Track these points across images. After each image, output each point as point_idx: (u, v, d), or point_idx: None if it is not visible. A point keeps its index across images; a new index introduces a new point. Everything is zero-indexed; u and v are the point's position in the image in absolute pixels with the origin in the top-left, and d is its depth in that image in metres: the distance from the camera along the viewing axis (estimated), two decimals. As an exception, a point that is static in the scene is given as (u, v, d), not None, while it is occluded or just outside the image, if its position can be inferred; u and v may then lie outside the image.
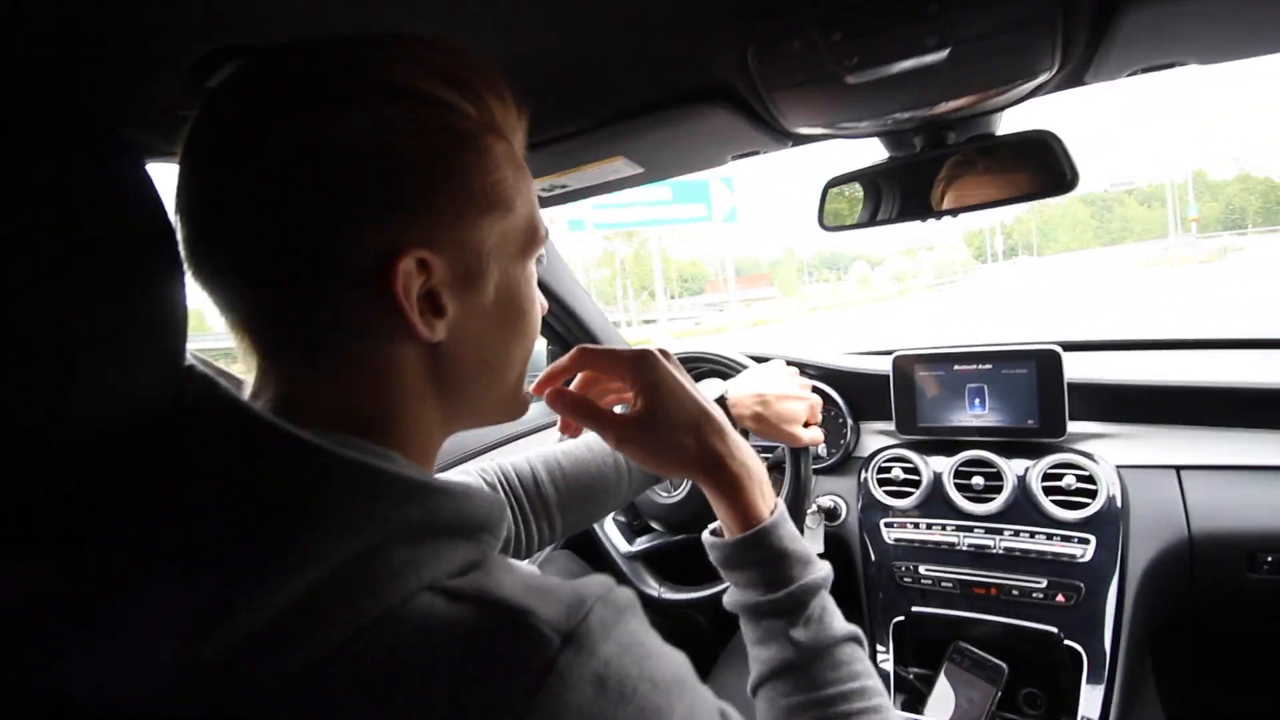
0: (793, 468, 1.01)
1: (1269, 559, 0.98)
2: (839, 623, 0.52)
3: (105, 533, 0.31)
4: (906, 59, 0.62)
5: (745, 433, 0.83)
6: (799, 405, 0.84)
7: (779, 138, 0.84)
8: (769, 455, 1.18)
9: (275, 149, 0.34)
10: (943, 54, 0.61)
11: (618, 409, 0.60)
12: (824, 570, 0.55)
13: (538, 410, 1.63)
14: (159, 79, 0.56)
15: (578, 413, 0.57)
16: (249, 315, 0.37)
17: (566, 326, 1.43)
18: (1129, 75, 0.72)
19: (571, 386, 0.61)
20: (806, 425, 0.85)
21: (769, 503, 0.56)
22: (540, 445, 0.85)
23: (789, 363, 0.91)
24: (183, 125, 0.36)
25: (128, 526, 0.31)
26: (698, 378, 1.11)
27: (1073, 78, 0.71)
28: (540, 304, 0.47)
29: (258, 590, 0.29)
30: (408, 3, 0.52)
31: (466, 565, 0.34)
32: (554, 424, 1.49)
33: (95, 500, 0.32)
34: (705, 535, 0.58)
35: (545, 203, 1.04)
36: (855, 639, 0.52)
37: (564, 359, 0.59)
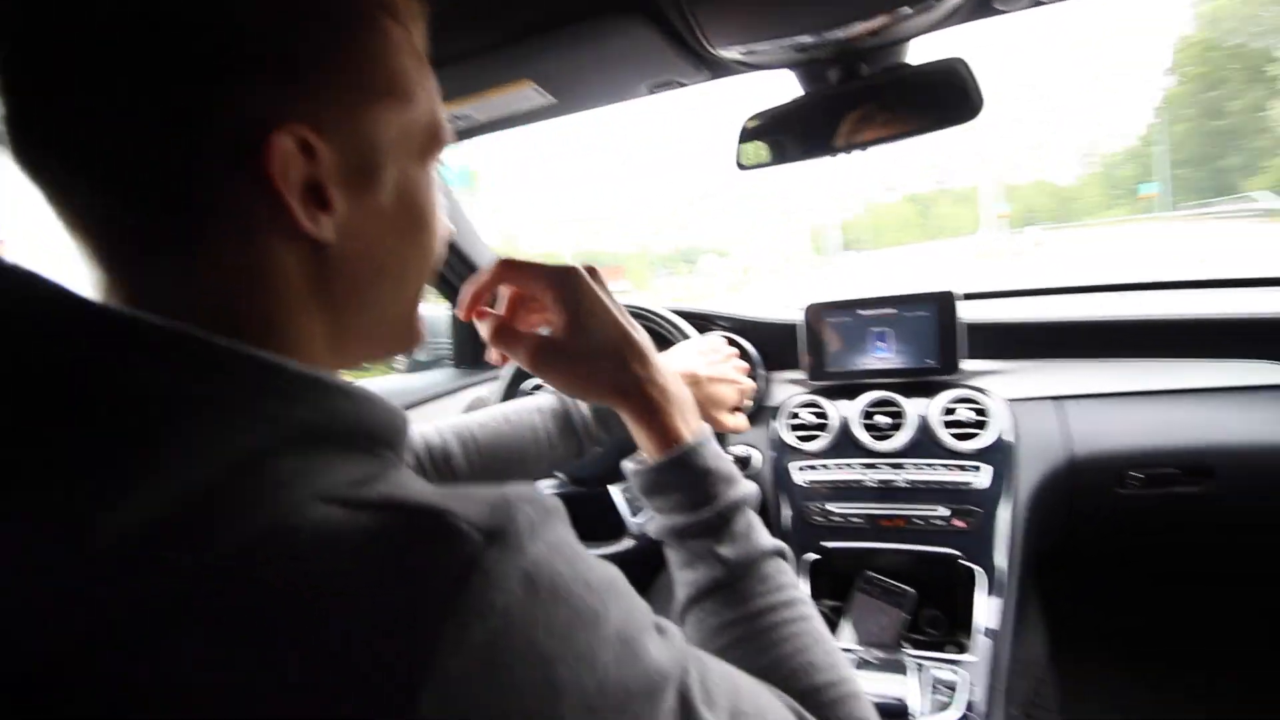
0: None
1: (1136, 475, 1.07)
2: (765, 537, 0.51)
3: None
4: (827, -35, 0.61)
5: None
6: (730, 390, 0.80)
7: (698, 64, 0.81)
8: None
9: None
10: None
11: (543, 331, 0.56)
12: (749, 487, 0.52)
13: (441, 376, 1.55)
14: None
15: (494, 336, 0.53)
16: (88, 207, 0.31)
17: (458, 273, 1.35)
18: (1032, 6, 0.75)
19: (497, 307, 0.56)
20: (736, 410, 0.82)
21: (692, 426, 0.53)
22: (444, 413, 0.78)
23: (705, 318, 0.89)
24: None
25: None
26: None
27: (983, 3, 0.73)
28: (444, 224, 0.43)
29: (135, 495, 0.25)
30: None
31: (364, 478, 0.30)
32: (454, 391, 1.42)
33: None
34: (626, 464, 0.55)
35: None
36: (780, 553, 0.51)
37: (484, 272, 0.54)
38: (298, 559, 0.25)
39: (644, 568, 1.04)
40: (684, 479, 0.51)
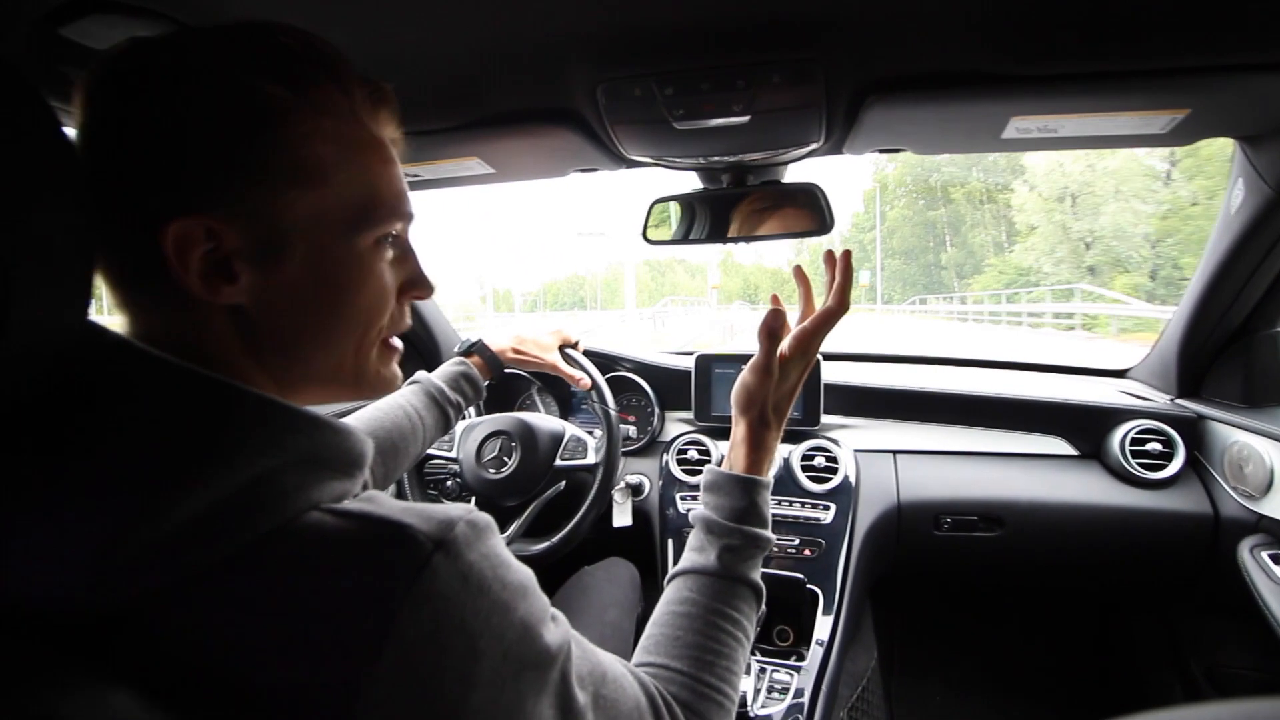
0: (608, 458, 1.20)
1: (947, 520, 1.32)
2: (756, 575, 0.64)
3: (34, 454, 0.35)
4: (719, 118, 0.80)
5: (502, 371, 1.14)
6: (549, 338, 1.17)
7: (616, 160, 0.99)
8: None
9: (128, 121, 0.39)
10: (745, 119, 0.80)
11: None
12: (770, 537, 0.66)
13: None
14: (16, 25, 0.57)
15: (774, 320, 0.68)
16: (106, 259, 0.41)
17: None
18: (875, 151, 0.97)
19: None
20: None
21: (770, 470, 0.68)
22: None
23: (611, 359, 1.10)
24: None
25: (49, 448, 0.35)
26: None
27: (836, 148, 0.95)
28: (388, 287, 0.48)
29: (176, 502, 0.34)
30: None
31: (342, 494, 0.42)
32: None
33: (20, 423, 0.35)
34: (710, 466, 0.69)
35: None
36: (758, 593, 0.64)
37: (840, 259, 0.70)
38: (299, 552, 0.36)
39: (558, 563, 1.22)
40: (744, 498, 0.65)
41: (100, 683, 0.31)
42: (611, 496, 1.39)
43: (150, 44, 0.41)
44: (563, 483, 1.28)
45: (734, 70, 0.73)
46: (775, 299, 0.71)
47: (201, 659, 0.34)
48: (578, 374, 1.23)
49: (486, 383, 1.13)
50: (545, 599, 0.45)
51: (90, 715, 0.30)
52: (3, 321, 0.31)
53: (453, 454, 1.27)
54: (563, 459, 1.26)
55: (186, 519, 0.34)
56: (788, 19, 0.65)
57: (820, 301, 0.71)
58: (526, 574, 0.44)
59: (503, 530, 1.22)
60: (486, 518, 0.42)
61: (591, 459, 1.26)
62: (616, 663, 0.52)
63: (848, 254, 0.69)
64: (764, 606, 1.17)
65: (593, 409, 1.26)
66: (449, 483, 1.31)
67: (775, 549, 1.28)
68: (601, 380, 1.25)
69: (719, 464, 0.70)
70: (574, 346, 1.26)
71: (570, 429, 1.31)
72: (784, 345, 0.69)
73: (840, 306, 0.69)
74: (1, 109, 0.32)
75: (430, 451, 1.26)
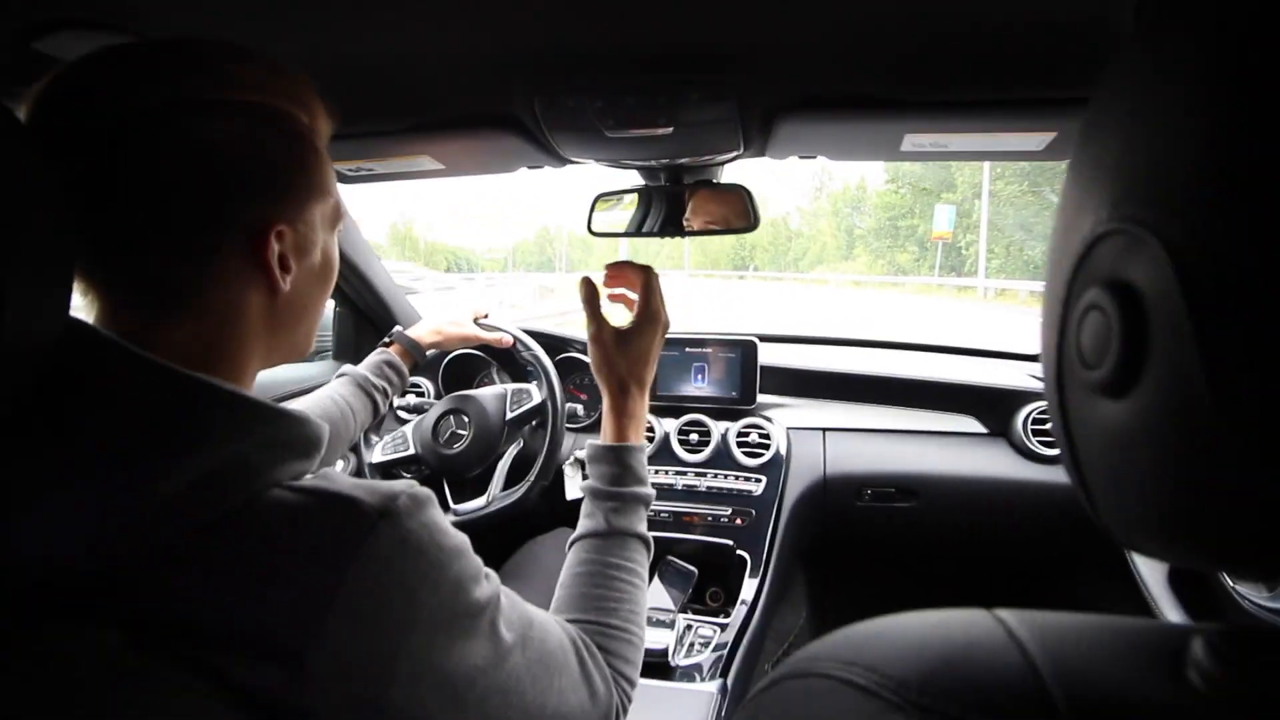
0: (551, 432, 1.31)
1: (868, 491, 1.45)
2: (641, 526, 0.73)
3: (30, 436, 0.42)
4: (645, 128, 0.88)
5: (424, 353, 1.24)
6: (461, 315, 1.32)
7: (557, 159, 1.06)
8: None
9: (168, 148, 0.44)
10: (669, 129, 0.88)
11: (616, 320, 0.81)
12: (647, 492, 0.75)
13: (322, 367, 1.70)
14: None
15: (588, 296, 0.80)
16: (113, 272, 0.47)
17: (356, 289, 1.53)
18: (794, 157, 1.06)
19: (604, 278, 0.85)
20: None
21: (639, 434, 0.77)
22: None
23: (562, 340, 1.20)
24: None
25: (50, 434, 0.41)
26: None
27: (759, 153, 1.03)
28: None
29: (161, 480, 0.41)
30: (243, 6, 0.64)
31: (301, 472, 0.49)
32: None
33: (14, 409, 0.41)
34: (590, 441, 0.78)
35: (351, 180, 1.16)
36: (645, 542, 0.73)
37: (615, 266, 0.84)
38: (265, 520, 0.43)
39: (501, 527, 1.34)
40: (617, 464, 0.74)
41: (97, 629, 0.38)
42: (562, 469, 1.49)
43: (194, 79, 0.46)
44: (520, 442, 1.40)
45: (656, 88, 0.80)
46: (584, 282, 0.82)
47: (178, 606, 0.41)
48: (495, 335, 1.36)
49: (409, 366, 1.24)
50: (478, 561, 0.53)
51: (89, 654, 0.38)
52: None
53: (410, 451, 1.37)
54: (512, 411, 1.37)
55: (168, 493, 0.41)
56: (701, 50, 0.72)
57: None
58: (461, 539, 0.51)
59: (481, 494, 1.34)
60: (427, 492, 0.49)
61: (537, 398, 1.38)
62: (543, 613, 0.60)
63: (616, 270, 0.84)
64: (694, 569, 1.29)
65: (534, 369, 1.38)
66: (414, 476, 1.40)
67: (709, 519, 1.39)
68: (518, 332, 1.38)
69: (593, 441, 0.78)
70: (484, 317, 1.38)
71: (512, 385, 1.42)
72: (625, 319, 0.79)
73: (644, 272, 0.82)
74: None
75: (389, 457, 1.36)
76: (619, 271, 0.82)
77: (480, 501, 1.34)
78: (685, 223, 1.17)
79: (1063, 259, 0.25)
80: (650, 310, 0.79)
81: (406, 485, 0.48)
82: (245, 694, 0.41)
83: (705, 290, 28.56)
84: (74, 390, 0.43)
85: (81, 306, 0.47)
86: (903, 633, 0.27)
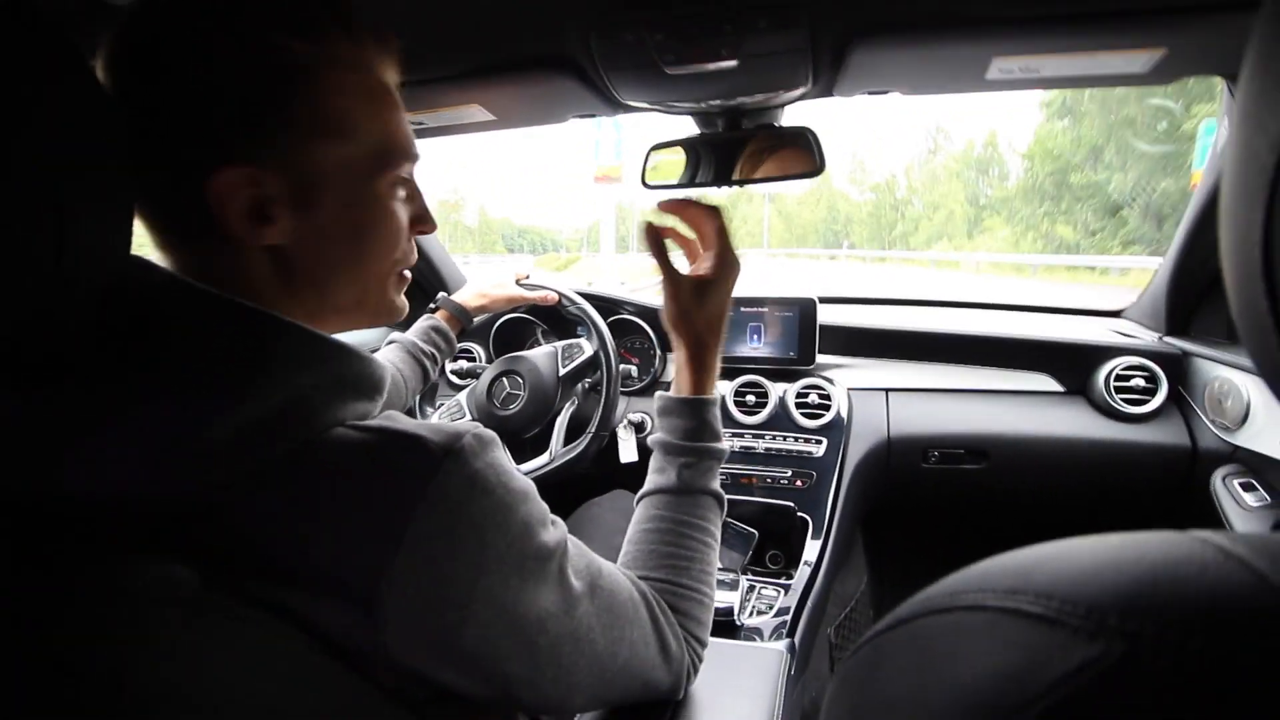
0: (607, 380, 1.29)
1: (934, 453, 1.39)
2: (714, 484, 0.70)
3: (95, 371, 0.41)
4: (708, 62, 0.83)
5: (470, 318, 1.24)
6: (504, 277, 1.31)
7: (612, 105, 1.02)
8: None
9: (160, 83, 0.42)
10: (733, 63, 0.83)
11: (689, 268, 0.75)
12: (722, 447, 0.71)
13: (376, 333, 1.70)
14: None
15: (656, 247, 0.72)
16: (155, 205, 0.46)
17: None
18: (863, 94, 0.99)
19: (670, 222, 0.76)
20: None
21: (713, 390, 0.73)
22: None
23: (613, 302, 1.17)
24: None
25: (114, 369, 0.41)
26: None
27: (825, 91, 0.97)
28: (402, 224, 0.53)
29: (225, 413, 0.40)
30: None
31: (365, 413, 0.48)
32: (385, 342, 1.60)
33: (80, 345, 0.41)
34: (660, 393, 0.74)
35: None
36: (719, 500, 0.70)
37: (675, 201, 0.75)
38: (330, 459, 0.43)
39: (557, 488, 1.32)
40: (694, 418, 0.70)
41: (166, 562, 0.37)
42: (616, 431, 1.47)
43: (171, 5, 0.43)
44: (574, 401, 1.40)
45: (721, 15, 0.75)
46: (648, 228, 0.74)
47: (248, 544, 0.40)
48: (539, 293, 1.36)
49: (458, 332, 1.24)
50: (545, 506, 0.51)
51: (159, 587, 0.36)
52: (60, 247, 0.36)
53: (466, 418, 1.36)
54: (564, 366, 1.36)
55: (232, 427, 0.40)
56: None
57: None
58: (527, 483, 0.50)
59: (540, 453, 1.36)
60: (491, 433, 0.48)
61: (589, 351, 1.39)
62: (611, 565, 0.58)
63: (685, 203, 0.74)
64: (755, 531, 1.26)
65: (582, 322, 1.39)
66: None
67: (768, 480, 1.36)
68: (562, 288, 1.38)
69: (665, 390, 0.74)
70: (526, 278, 1.38)
71: (561, 343, 1.42)
72: (701, 267, 0.72)
73: (716, 215, 0.72)
74: (47, 58, 0.35)
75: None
76: (682, 209, 0.75)
77: (543, 459, 1.34)
78: (744, 171, 1.12)
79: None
80: (728, 257, 0.72)
81: (471, 425, 0.47)
82: (322, 633, 0.40)
83: (789, 271, 24.51)
84: (136, 325, 0.42)
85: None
86: (1079, 555, 0.23)
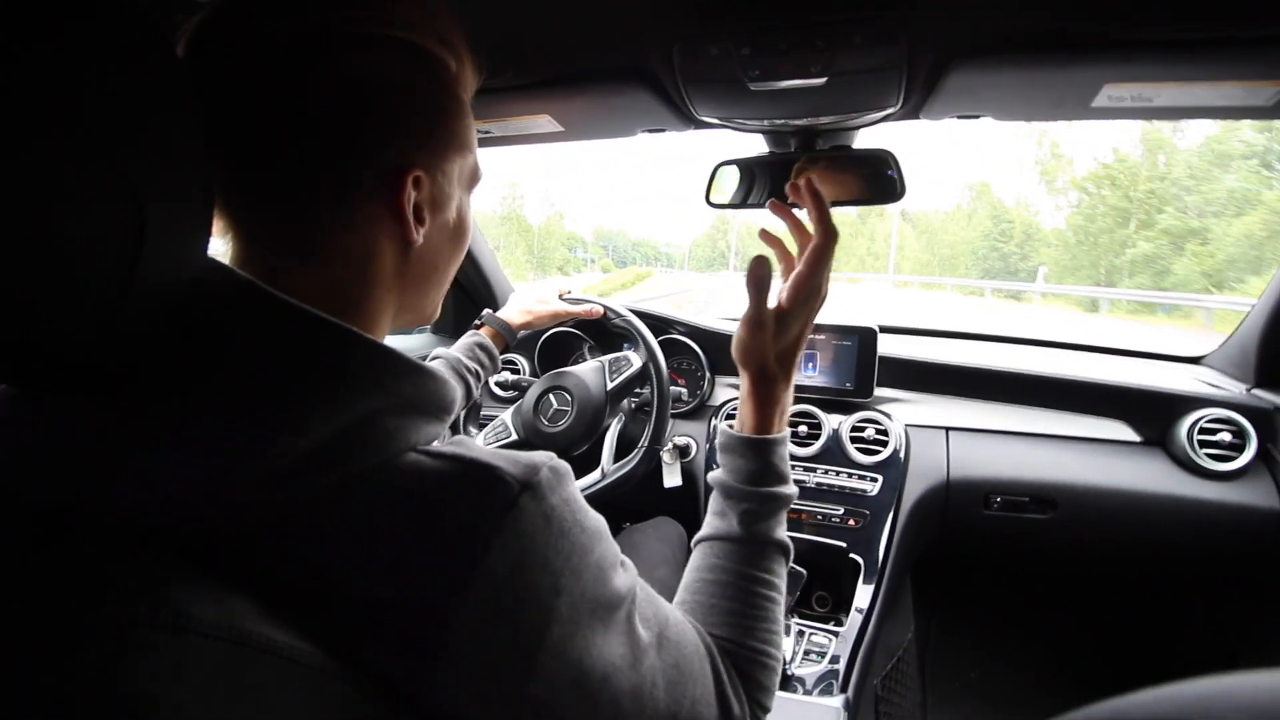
0: (658, 390, 1.28)
1: (997, 499, 1.31)
2: (781, 532, 0.63)
3: (156, 382, 0.38)
4: (795, 79, 0.79)
5: (515, 334, 1.23)
6: (547, 294, 1.29)
7: (685, 121, 0.98)
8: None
9: (318, 80, 0.42)
10: (822, 80, 0.79)
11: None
12: (790, 491, 0.64)
13: (421, 340, 1.69)
14: None
15: (757, 282, 0.64)
16: (248, 210, 0.44)
17: (462, 267, 1.52)
18: (951, 118, 0.95)
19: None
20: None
21: (783, 425, 0.66)
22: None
23: (664, 321, 1.13)
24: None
25: (178, 379, 0.38)
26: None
27: (913, 113, 0.92)
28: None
29: (294, 430, 0.37)
30: None
31: (434, 437, 0.45)
32: (432, 354, 1.58)
33: (145, 354, 0.38)
34: (721, 424, 0.69)
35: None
36: (784, 551, 0.63)
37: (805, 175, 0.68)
38: (400, 486, 0.39)
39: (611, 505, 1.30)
40: (758, 459, 0.64)
41: (221, 589, 0.34)
42: (660, 457, 1.42)
43: (347, 10, 0.43)
44: (622, 417, 1.37)
45: (814, 30, 0.71)
46: (764, 235, 0.70)
47: (309, 572, 0.37)
48: (584, 307, 1.35)
49: (502, 349, 1.22)
50: (616, 546, 0.48)
51: (215, 615, 0.33)
52: (137, 254, 0.33)
53: (513, 437, 1.34)
54: (612, 380, 1.34)
55: (297, 449, 0.37)
56: None
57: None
58: (600, 521, 0.46)
59: (590, 470, 1.32)
60: (566, 465, 0.45)
61: (636, 364, 1.36)
62: (677, 613, 0.54)
63: (809, 180, 0.66)
64: (804, 571, 1.20)
65: (629, 334, 1.36)
66: None
67: (819, 517, 1.30)
68: (606, 301, 1.37)
69: (729, 423, 0.69)
70: (569, 293, 1.37)
71: (609, 356, 1.39)
72: (781, 296, 0.66)
73: (826, 236, 0.64)
74: (139, 56, 0.33)
75: (495, 445, 1.33)
76: (790, 219, 0.69)
77: (595, 475, 1.30)
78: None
79: None
80: (816, 284, 0.65)
81: (547, 457, 0.43)
82: (367, 675, 0.37)
83: (920, 308, 16.02)
84: (208, 335, 0.40)
85: (221, 252, 0.46)
86: (1255, 692, 0.21)
